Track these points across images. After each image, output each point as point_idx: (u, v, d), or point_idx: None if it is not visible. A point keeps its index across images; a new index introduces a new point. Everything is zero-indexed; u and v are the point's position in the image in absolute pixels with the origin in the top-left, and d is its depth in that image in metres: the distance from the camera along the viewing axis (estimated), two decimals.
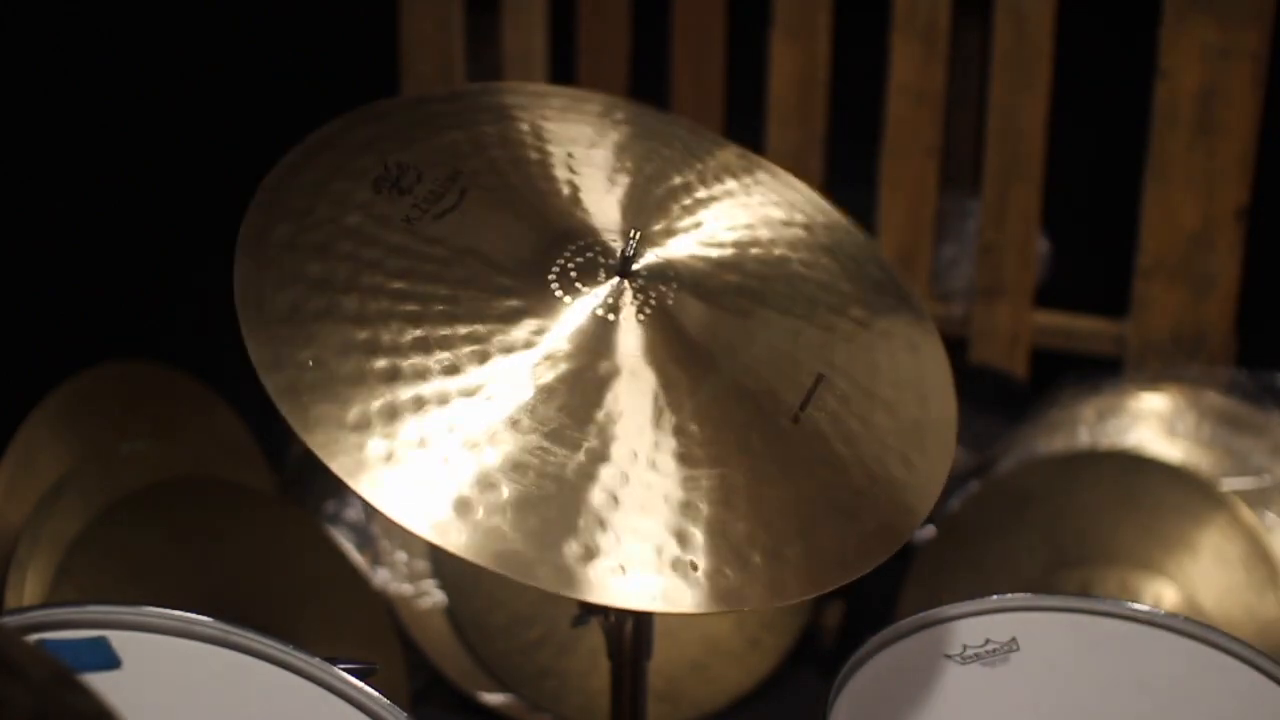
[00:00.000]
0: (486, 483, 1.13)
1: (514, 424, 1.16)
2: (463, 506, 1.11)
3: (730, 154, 1.46)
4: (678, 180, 1.39)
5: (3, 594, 1.71)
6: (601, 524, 1.12)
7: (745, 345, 1.29)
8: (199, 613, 1.18)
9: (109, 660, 1.13)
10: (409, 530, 1.10)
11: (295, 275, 1.20)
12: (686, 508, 1.15)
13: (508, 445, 1.15)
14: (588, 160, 1.37)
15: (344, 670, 1.18)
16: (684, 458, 1.18)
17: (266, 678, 1.17)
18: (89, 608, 1.16)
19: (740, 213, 1.41)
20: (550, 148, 1.38)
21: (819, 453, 1.24)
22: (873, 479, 1.25)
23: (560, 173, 1.36)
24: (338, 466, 1.12)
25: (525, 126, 1.39)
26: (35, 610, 1.16)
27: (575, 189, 1.35)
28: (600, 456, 1.16)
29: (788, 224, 1.43)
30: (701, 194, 1.40)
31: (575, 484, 1.14)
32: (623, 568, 1.11)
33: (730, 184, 1.43)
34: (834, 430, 1.26)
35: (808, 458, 1.23)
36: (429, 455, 1.13)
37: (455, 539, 1.10)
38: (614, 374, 1.21)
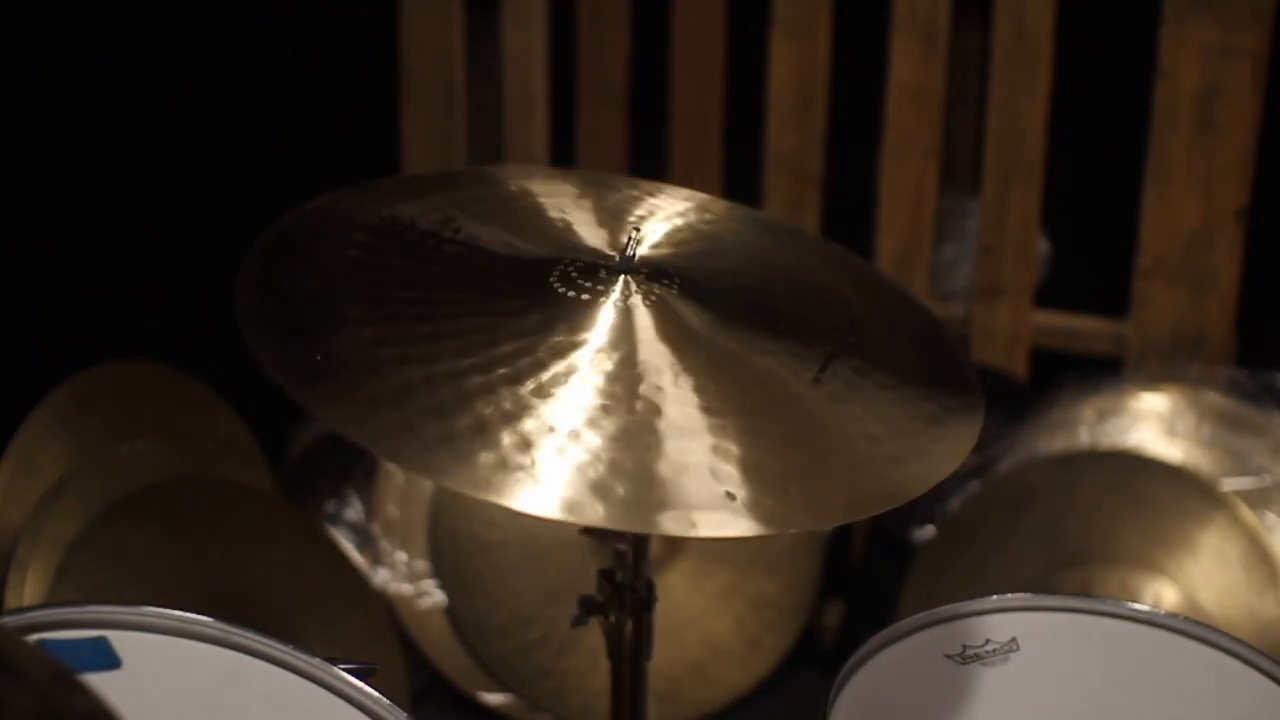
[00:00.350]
0: (509, 440, 1.14)
1: (528, 390, 1.18)
2: (499, 463, 1.12)
3: (718, 201, 1.51)
4: (666, 219, 1.43)
5: (3, 594, 1.71)
6: (629, 466, 1.15)
7: (750, 331, 1.31)
8: (199, 613, 1.19)
9: (109, 660, 1.13)
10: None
11: (299, 295, 1.24)
12: (717, 449, 1.18)
13: (525, 408, 1.17)
14: (577, 206, 1.42)
15: (344, 670, 1.18)
16: (708, 409, 1.21)
17: (267, 678, 1.17)
18: (89, 608, 1.16)
19: (735, 238, 1.45)
20: (541, 199, 1.43)
21: (846, 407, 1.26)
22: (903, 432, 1.27)
23: (552, 213, 1.41)
24: (352, 433, 1.13)
25: (514, 188, 1.45)
26: (35, 610, 1.16)
27: (567, 223, 1.40)
28: (620, 410, 1.19)
29: (781, 248, 1.45)
30: (693, 225, 1.43)
31: (599, 434, 1.17)
32: (662, 500, 1.13)
33: (720, 213, 1.47)
34: (855, 394, 1.28)
35: (837, 409, 1.25)
36: (449, 420, 1.14)
37: (495, 491, 1.12)
38: (630, 348, 1.24)
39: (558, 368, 1.20)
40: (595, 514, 1.12)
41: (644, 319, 1.26)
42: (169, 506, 1.89)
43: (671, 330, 1.26)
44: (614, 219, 1.42)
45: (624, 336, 1.25)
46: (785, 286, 1.40)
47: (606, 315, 1.26)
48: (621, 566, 1.40)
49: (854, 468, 1.22)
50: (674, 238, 1.41)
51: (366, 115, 2.54)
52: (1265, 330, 2.35)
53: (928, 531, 2.21)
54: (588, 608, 1.42)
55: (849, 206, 2.44)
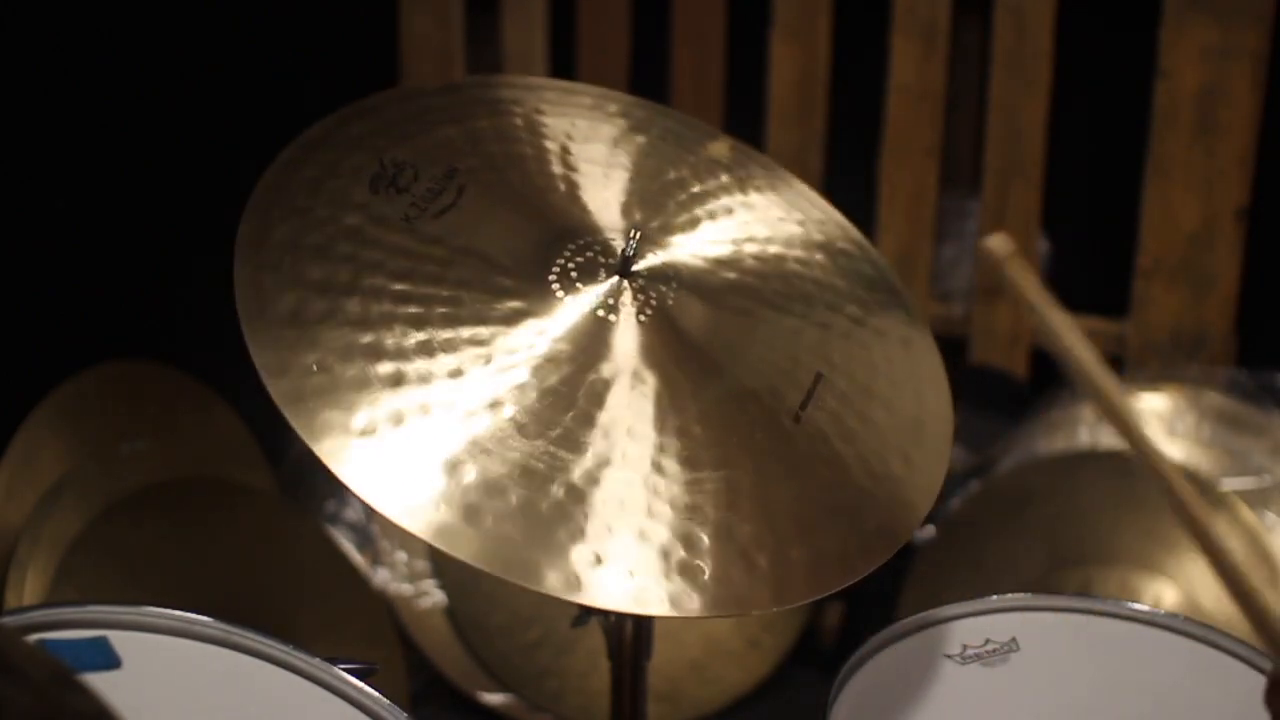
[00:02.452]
0: (494, 489, 1.13)
1: (520, 429, 1.16)
2: (470, 513, 1.11)
3: (723, 146, 1.46)
4: (673, 175, 1.40)
5: (3, 594, 1.71)
6: (609, 529, 1.12)
7: (745, 344, 1.29)
8: (199, 613, 1.18)
9: (109, 660, 1.13)
10: (415, 535, 1.10)
11: (296, 278, 1.20)
12: (693, 511, 1.15)
13: (513, 451, 1.15)
14: (583, 155, 1.38)
15: (344, 670, 1.18)
16: (688, 460, 1.18)
17: (267, 678, 1.17)
18: (89, 608, 1.16)
19: (735, 209, 1.41)
20: (546, 143, 1.37)
21: (821, 451, 1.24)
22: (873, 476, 1.25)
23: (557, 168, 1.36)
24: (344, 473, 1.12)
25: (519, 121, 1.39)
26: (35, 610, 1.16)
27: (573, 185, 1.35)
28: (605, 460, 1.16)
29: (782, 220, 1.43)
30: (696, 189, 1.40)
31: (582, 489, 1.14)
32: (631, 573, 1.11)
33: (724, 179, 1.43)
34: (834, 429, 1.26)
35: (810, 456, 1.24)
36: (435, 461, 1.13)
37: (462, 545, 1.10)
38: (616, 376, 1.21)
39: (548, 400, 1.17)
40: (570, 585, 1.10)
41: (631, 339, 1.23)
42: (169, 506, 1.89)
43: (659, 355, 1.23)
44: (629, 175, 1.37)
45: (611, 360, 1.21)
46: (784, 284, 1.38)
47: (597, 332, 1.23)
48: None
49: (822, 529, 1.20)
50: (687, 220, 1.38)
51: None
52: (1265, 330, 2.35)
53: (928, 531, 2.21)
54: (588, 608, 1.41)
55: (849, 206, 2.44)
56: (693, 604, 1.12)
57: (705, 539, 1.14)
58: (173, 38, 2.29)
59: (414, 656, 2.22)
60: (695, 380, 1.24)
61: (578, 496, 1.14)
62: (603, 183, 1.36)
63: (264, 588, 1.94)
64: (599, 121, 1.42)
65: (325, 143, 1.30)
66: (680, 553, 1.13)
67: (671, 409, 1.20)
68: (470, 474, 1.13)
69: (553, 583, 1.10)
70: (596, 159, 1.38)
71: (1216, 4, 2.20)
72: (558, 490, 1.13)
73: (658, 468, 1.17)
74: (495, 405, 1.17)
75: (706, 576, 1.12)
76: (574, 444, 1.16)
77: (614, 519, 1.13)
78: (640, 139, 1.41)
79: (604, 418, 1.18)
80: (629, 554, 1.12)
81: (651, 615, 1.12)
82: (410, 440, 1.13)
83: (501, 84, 1.49)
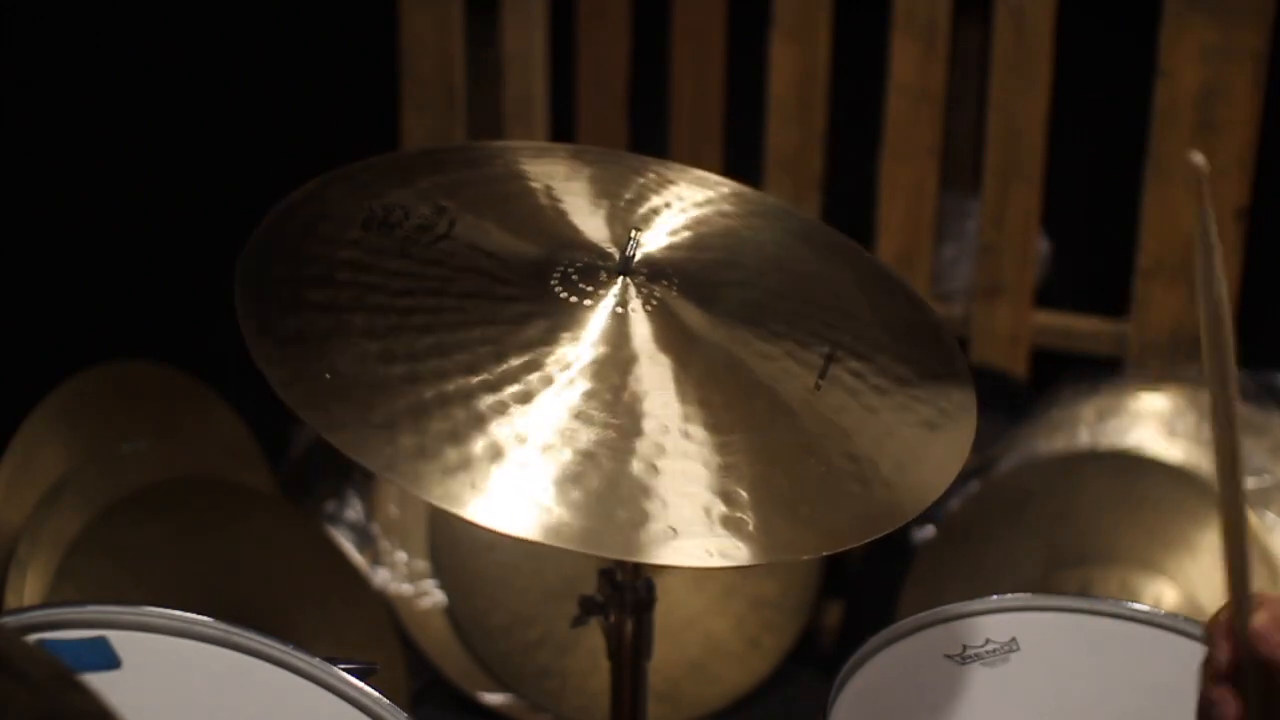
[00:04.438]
0: (524, 464, 1.14)
1: (540, 410, 1.17)
2: (508, 489, 1.12)
3: (703, 175, 1.49)
4: (657, 200, 1.42)
5: (3, 594, 1.71)
6: (646, 492, 1.14)
7: (748, 332, 1.30)
8: (199, 613, 1.19)
9: (109, 660, 1.13)
10: (461, 519, 1.11)
11: (298, 303, 1.22)
12: (728, 469, 1.17)
13: (538, 429, 1.16)
14: (567, 190, 1.41)
15: (344, 670, 1.18)
16: (715, 426, 1.20)
17: (267, 678, 1.17)
18: (89, 608, 1.16)
19: (728, 221, 1.43)
20: (530, 184, 1.41)
21: (847, 417, 1.26)
22: (900, 434, 1.27)
23: (543, 200, 1.39)
24: (370, 461, 1.12)
25: (501, 170, 1.42)
26: (35, 610, 1.16)
27: (561, 212, 1.38)
28: (632, 432, 1.18)
29: (771, 227, 1.45)
30: (684, 208, 1.42)
31: (612, 458, 1.16)
32: (674, 529, 1.13)
33: (709, 195, 1.45)
34: (854, 399, 1.28)
35: (837, 421, 1.25)
36: (464, 445, 1.14)
37: (504, 520, 1.11)
38: (633, 360, 1.23)
39: (568, 383, 1.19)
40: (615, 546, 1.12)
41: (643, 328, 1.26)
42: (169, 506, 1.89)
43: (669, 339, 1.25)
44: (615, 203, 1.40)
45: (626, 347, 1.24)
46: (783, 279, 1.40)
47: (611, 323, 1.25)
48: (621, 567, 1.40)
49: (861, 480, 1.22)
50: (680, 229, 1.40)
51: (367, 115, 2.54)
52: (1265, 330, 2.35)
53: (928, 531, 2.21)
54: (588, 608, 1.42)
55: (849, 206, 2.44)
56: (741, 554, 1.13)
57: (744, 494, 1.16)
58: (172, 38, 2.29)
59: (414, 656, 2.22)
60: (706, 358, 1.26)
61: (611, 465, 1.15)
62: (589, 210, 1.39)
63: (264, 588, 1.94)
64: (580, 166, 1.45)
65: (308, 203, 1.32)
66: (721, 508, 1.15)
67: (689, 382, 1.22)
68: (503, 455, 1.14)
69: (595, 545, 1.11)
70: (581, 193, 1.41)
71: (1216, 4, 2.20)
72: (587, 460, 1.15)
73: (685, 434, 1.19)
74: (515, 392, 1.18)
75: (751, 528, 1.14)
76: (599, 421, 1.17)
77: (649, 481, 1.15)
78: (618, 176, 1.45)
79: (627, 395, 1.20)
80: (668, 513, 1.13)
81: (707, 567, 1.13)
82: (437, 430, 1.14)
83: (478, 148, 1.54)
